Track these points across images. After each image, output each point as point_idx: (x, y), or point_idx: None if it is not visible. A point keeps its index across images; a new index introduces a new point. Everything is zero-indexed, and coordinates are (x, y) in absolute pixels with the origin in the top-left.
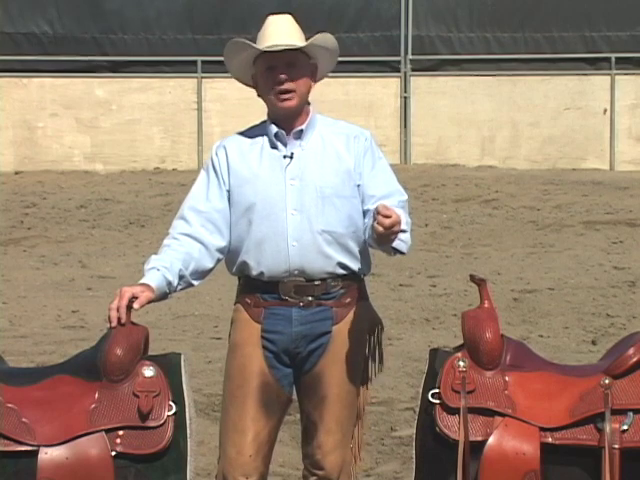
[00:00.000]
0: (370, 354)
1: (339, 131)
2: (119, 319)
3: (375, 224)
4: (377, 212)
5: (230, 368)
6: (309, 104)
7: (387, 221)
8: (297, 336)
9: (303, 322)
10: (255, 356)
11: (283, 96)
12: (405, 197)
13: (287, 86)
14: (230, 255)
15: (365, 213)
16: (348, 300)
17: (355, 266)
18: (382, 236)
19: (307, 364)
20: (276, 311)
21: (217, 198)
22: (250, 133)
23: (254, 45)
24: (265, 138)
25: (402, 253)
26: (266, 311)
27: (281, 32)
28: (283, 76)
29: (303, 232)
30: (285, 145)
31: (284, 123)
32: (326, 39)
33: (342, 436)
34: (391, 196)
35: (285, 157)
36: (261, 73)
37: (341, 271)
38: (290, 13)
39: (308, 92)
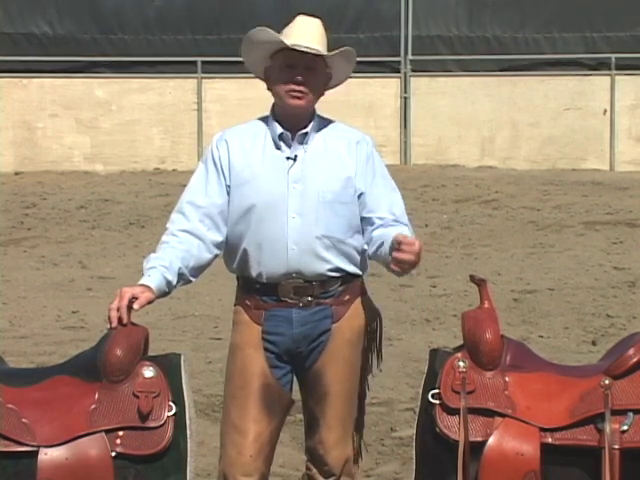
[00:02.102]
0: (370, 349)
1: (341, 135)
2: (119, 319)
3: (398, 257)
4: (398, 244)
5: (231, 369)
6: (314, 108)
7: (412, 258)
8: (298, 337)
9: (304, 323)
10: (256, 357)
11: (295, 94)
12: (403, 207)
13: (302, 87)
14: (229, 253)
15: (365, 219)
16: (347, 297)
17: (353, 268)
18: (404, 269)
19: (308, 362)
20: (276, 313)
21: (216, 193)
22: (252, 129)
23: (283, 39)
24: (268, 136)
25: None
26: (266, 313)
27: (310, 34)
28: (300, 78)
29: (303, 236)
30: (289, 146)
31: (289, 123)
32: (349, 54)
33: (343, 432)
34: (393, 207)
35: (288, 159)
36: (279, 67)
37: (339, 273)
38: (287, 15)
39: (318, 98)
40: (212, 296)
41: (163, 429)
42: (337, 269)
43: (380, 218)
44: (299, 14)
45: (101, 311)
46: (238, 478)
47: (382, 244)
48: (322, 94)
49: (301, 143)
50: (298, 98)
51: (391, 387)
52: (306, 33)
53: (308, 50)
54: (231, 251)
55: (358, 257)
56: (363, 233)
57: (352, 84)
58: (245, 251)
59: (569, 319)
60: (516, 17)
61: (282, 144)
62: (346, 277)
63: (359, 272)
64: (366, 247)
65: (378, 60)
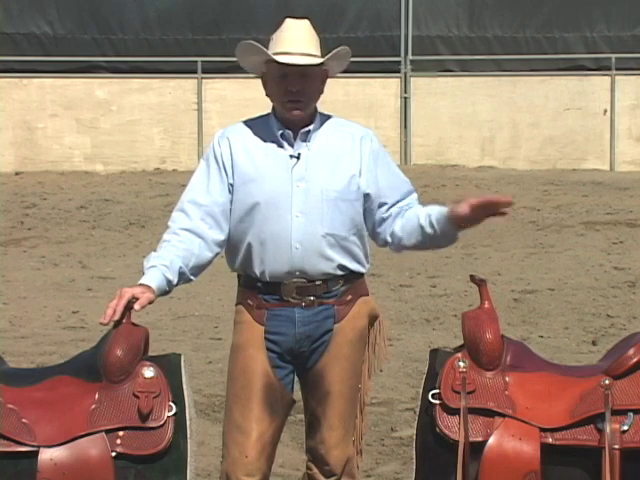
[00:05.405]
0: (371, 348)
1: (344, 130)
2: (117, 320)
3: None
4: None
5: (233, 369)
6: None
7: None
8: (301, 337)
9: (306, 323)
10: (258, 357)
11: (293, 105)
12: (416, 195)
13: (298, 97)
14: (232, 251)
15: (384, 220)
16: (349, 297)
17: (355, 265)
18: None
19: (309, 362)
20: (279, 312)
21: (218, 191)
22: (254, 126)
23: (269, 53)
24: (270, 134)
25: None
26: (269, 312)
27: (300, 39)
28: (295, 88)
29: (307, 235)
30: (291, 145)
31: (291, 124)
32: (341, 54)
33: (345, 431)
34: (409, 195)
35: (292, 157)
36: (273, 78)
37: (342, 272)
38: (287, 15)
39: (318, 99)
40: (212, 296)
41: (163, 429)
42: (341, 267)
43: (405, 205)
44: (287, 17)
45: (101, 311)
46: (241, 478)
47: (421, 222)
48: (322, 92)
49: (304, 141)
50: (297, 109)
51: (391, 387)
52: (296, 38)
53: (300, 63)
54: (234, 249)
55: (360, 254)
56: (384, 227)
57: (352, 84)
58: (248, 249)
59: (569, 319)
60: (516, 17)
61: (284, 142)
62: (349, 276)
63: (362, 270)
64: (389, 239)
65: (378, 60)
